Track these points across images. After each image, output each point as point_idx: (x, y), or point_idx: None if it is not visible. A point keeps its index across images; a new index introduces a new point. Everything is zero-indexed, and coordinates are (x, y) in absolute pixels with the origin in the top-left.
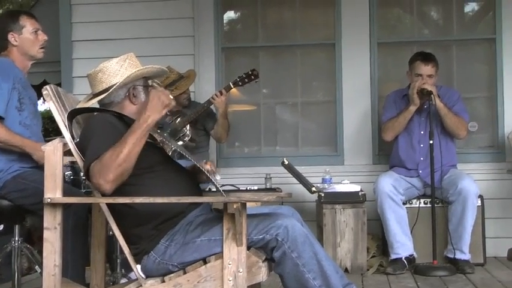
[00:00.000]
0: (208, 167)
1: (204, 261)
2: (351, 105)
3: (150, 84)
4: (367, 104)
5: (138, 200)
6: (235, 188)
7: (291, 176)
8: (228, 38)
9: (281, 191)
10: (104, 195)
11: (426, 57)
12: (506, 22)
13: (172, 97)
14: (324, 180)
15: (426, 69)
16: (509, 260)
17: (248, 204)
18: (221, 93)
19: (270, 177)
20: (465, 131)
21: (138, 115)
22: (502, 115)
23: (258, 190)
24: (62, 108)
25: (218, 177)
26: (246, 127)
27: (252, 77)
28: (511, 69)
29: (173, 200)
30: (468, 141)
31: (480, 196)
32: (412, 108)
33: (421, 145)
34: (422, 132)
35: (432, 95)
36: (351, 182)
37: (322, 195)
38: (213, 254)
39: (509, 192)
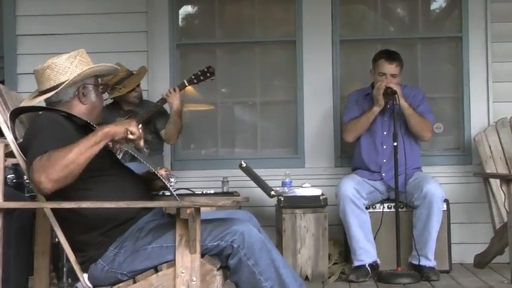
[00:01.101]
0: (163, 172)
1: (156, 269)
2: (312, 105)
3: (101, 82)
4: (329, 104)
5: (85, 205)
6: (191, 192)
7: (249, 179)
8: (184, 34)
9: (239, 195)
10: (42, 194)
11: (390, 56)
12: (472, 20)
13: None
14: (283, 184)
15: (390, 68)
16: (475, 266)
17: (203, 209)
18: (174, 90)
19: (227, 181)
20: (430, 132)
21: (88, 116)
22: (468, 116)
23: (215, 194)
24: (4, 106)
25: (173, 181)
26: (202, 128)
27: (208, 74)
28: (478, 69)
29: (122, 205)
30: (433, 143)
31: (446, 200)
32: (376, 109)
33: (384, 147)
34: (385, 133)
35: (396, 95)
36: (311, 186)
37: (282, 199)
38: (165, 262)
39: (475, 196)
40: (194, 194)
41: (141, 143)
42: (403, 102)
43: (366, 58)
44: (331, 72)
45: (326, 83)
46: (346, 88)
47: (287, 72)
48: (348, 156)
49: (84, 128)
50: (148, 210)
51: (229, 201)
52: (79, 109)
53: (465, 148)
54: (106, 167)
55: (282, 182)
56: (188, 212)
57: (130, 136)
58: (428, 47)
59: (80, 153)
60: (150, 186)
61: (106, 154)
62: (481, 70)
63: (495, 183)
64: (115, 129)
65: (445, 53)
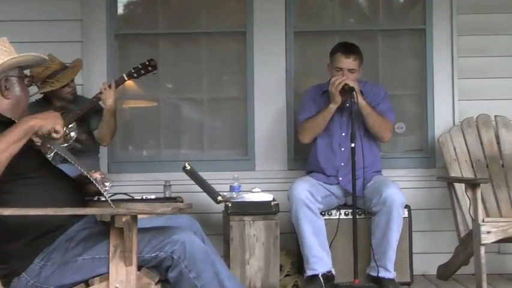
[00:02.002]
0: (97, 175)
1: (87, 283)
2: (264, 102)
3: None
4: (282, 101)
5: (7, 212)
6: (129, 197)
7: (194, 183)
8: (123, 22)
9: (182, 201)
10: None
11: (348, 49)
12: (437, 11)
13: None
14: (231, 188)
15: (347, 62)
16: (438, 278)
17: (141, 217)
18: (110, 87)
19: (170, 185)
20: (390, 133)
21: (12, 112)
22: (432, 115)
23: (156, 200)
24: None
25: (108, 185)
26: (143, 127)
27: (149, 68)
28: (442, 64)
29: (49, 212)
30: (394, 144)
31: (407, 206)
32: (333, 107)
33: (342, 149)
34: (343, 134)
35: (354, 92)
36: (262, 191)
37: (229, 205)
38: (97, 275)
39: (439, 202)
40: (133, 200)
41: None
42: (361, 100)
43: (323, 52)
44: (284, 67)
45: (279, 79)
46: (301, 84)
47: (237, 66)
48: (302, 159)
49: (9, 126)
50: (79, 217)
51: (169, 208)
52: (1, 104)
53: (428, 150)
54: (32, 169)
55: (230, 186)
56: (124, 219)
57: (54, 135)
58: (389, 40)
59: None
60: (83, 190)
61: (33, 153)
62: (446, 65)
63: (460, 188)
64: (41, 123)
65: (407, 47)
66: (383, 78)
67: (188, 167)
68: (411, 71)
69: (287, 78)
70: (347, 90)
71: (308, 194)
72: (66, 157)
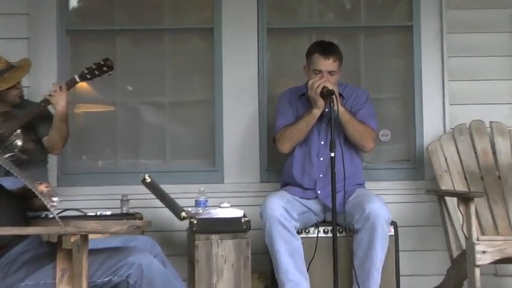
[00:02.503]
0: (43, 188)
1: None
2: (234, 106)
3: None
4: (254, 104)
5: None
6: (81, 214)
7: (155, 197)
8: (76, 17)
9: (141, 217)
10: None
11: (326, 50)
12: (425, 6)
13: None
14: (197, 203)
15: (327, 64)
16: None
17: (92, 236)
18: (61, 89)
19: (128, 199)
20: (372, 142)
21: None
22: (421, 121)
23: (111, 216)
24: None
25: (56, 200)
26: (97, 134)
27: (105, 68)
28: (432, 65)
29: None
30: (378, 153)
31: (393, 223)
32: (316, 112)
33: (321, 159)
34: (322, 143)
35: (334, 96)
36: (232, 206)
37: (195, 222)
38: None
39: (428, 218)
40: (85, 217)
41: None
42: (340, 107)
43: (299, 50)
44: (256, 67)
45: (251, 80)
46: (275, 86)
47: (203, 66)
48: (277, 170)
49: None
50: (22, 238)
51: (125, 227)
52: None
53: (416, 160)
54: None
55: (196, 200)
56: (72, 240)
57: None
58: (372, 38)
59: None
60: (27, 206)
61: None
62: (435, 66)
63: (452, 202)
64: None
65: (392, 46)
66: (365, 81)
67: (148, 179)
68: (397, 72)
69: (259, 80)
70: (326, 94)
71: (283, 210)
72: (8, 169)
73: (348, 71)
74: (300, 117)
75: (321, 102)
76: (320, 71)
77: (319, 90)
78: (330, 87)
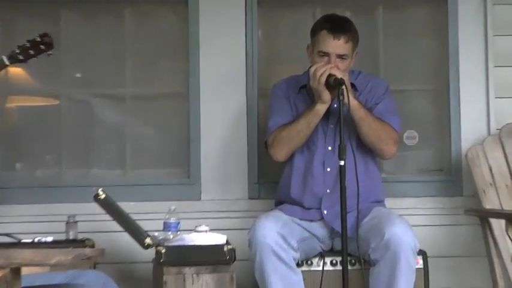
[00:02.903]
0: None
1: None
2: (215, 101)
3: None
4: (241, 99)
5: None
6: (14, 240)
7: (111, 218)
8: None
9: (93, 245)
10: None
11: (337, 27)
12: None
13: None
14: (166, 226)
15: (337, 45)
16: None
17: (28, 270)
18: None
19: (75, 221)
20: (394, 145)
21: None
22: (457, 120)
23: (54, 243)
24: None
25: None
26: (36, 135)
27: (42, 46)
28: (472, 47)
29: None
30: (403, 161)
31: (421, 252)
32: (320, 108)
33: (328, 169)
34: (329, 148)
35: (344, 87)
36: (211, 230)
37: (163, 251)
38: None
39: (467, 246)
40: (18, 244)
41: None
42: (352, 99)
43: (299, 29)
44: (244, 50)
45: (236, 67)
46: (268, 75)
47: (175, 49)
48: (270, 183)
49: None
50: None
51: (69, 257)
52: None
53: (452, 170)
54: None
55: (165, 222)
56: (0, 275)
57: None
58: (395, 12)
59: None
60: None
61: None
62: (477, 48)
63: (498, 225)
64: None
65: (420, 22)
66: (385, 67)
67: (102, 196)
68: (426, 56)
69: (248, 67)
70: (333, 84)
71: (278, 237)
72: None
73: (363, 55)
74: (299, 115)
75: (326, 95)
76: (327, 54)
77: (323, 78)
78: (339, 75)
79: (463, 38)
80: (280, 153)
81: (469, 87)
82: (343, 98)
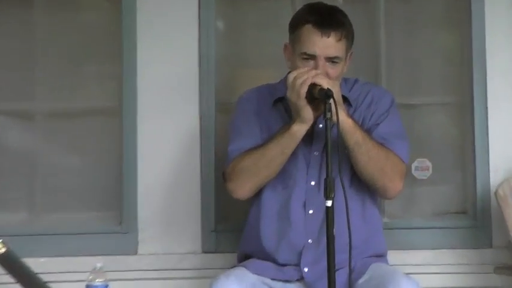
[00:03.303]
0: None
1: None
2: (156, 119)
3: None
4: (193, 116)
5: None
6: None
7: (14, 280)
8: None
9: None
10: None
11: (326, 20)
12: None
13: None
14: None
15: (325, 44)
16: None
17: None
18: None
19: None
20: (400, 180)
21: None
22: (484, 144)
23: None
24: None
25: None
26: None
27: None
28: (503, 46)
29: None
30: (412, 201)
31: None
32: (298, 130)
33: (310, 211)
34: (312, 184)
35: (332, 100)
36: None
37: None
38: None
39: None
40: None
41: None
42: (343, 116)
43: (274, 21)
44: (197, 51)
45: (187, 74)
46: (231, 84)
47: (104, 50)
48: (231, 230)
49: None
50: None
51: None
52: None
53: (478, 213)
54: None
55: (88, 285)
56: None
57: None
58: (401, 3)
59: None
60: None
61: None
62: (510, 47)
63: None
64: None
65: (435, 13)
66: (388, 73)
67: (1, 249)
68: (442, 58)
69: (202, 73)
70: (318, 98)
71: None
72: None
73: (360, 58)
74: (271, 137)
75: (307, 112)
76: (313, 57)
77: (304, 89)
78: (326, 84)
79: (491, 32)
80: (242, 189)
81: (499, 100)
82: (331, 115)
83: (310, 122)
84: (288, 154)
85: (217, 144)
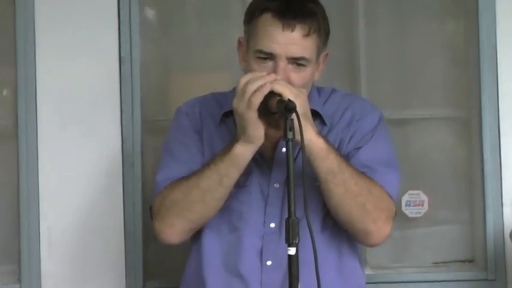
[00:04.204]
0: None
1: None
2: (64, 141)
3: None
4: (113, 137)
5: None
6: None
7: None
8: None
9: None
10: None
11: (290, 7)
12: None
13: None
14: None
15: (288, 39)
16: None
17: None
18: None
19: None
20: (387, 222)
21: None
22: (496, 169)
23: None
24: None
25: None
26: None
27: None
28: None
29: None
30: (402, 247)
31: None
32: (243, 152)
33: (268, 262)
34: (272, 226)
35: (294, 115)
36: None
37: None
38: None
39: None
40: None
41: None
42: (312, 137)
43: (222, 11)
44: (116, 52)
45: (104, 82)
46: (164, 95)
47: None
48: (169, 280)
49: None
50: None
51: None
52: None
53: (488, 261)
54: None
55: None
56: None
57: None
58: None
59: None
60: None
61: None
62: None
63: None
64: None
65: (434, 4)
66: (370, 80)
67: None
68: (442, 60)
69: (124, 80)
70: (276, 111)
71: None
72: None
73: (337, 58)
74: (208, 161)
75: (256, 129)
76: (272, 56)
77: (258, 98)
78: (287, 93)
79: (503, 25)
80: (170, 230)
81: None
82: (294, 135)
83: (259, 143)
84: (229, 184)
85: (145, 174)
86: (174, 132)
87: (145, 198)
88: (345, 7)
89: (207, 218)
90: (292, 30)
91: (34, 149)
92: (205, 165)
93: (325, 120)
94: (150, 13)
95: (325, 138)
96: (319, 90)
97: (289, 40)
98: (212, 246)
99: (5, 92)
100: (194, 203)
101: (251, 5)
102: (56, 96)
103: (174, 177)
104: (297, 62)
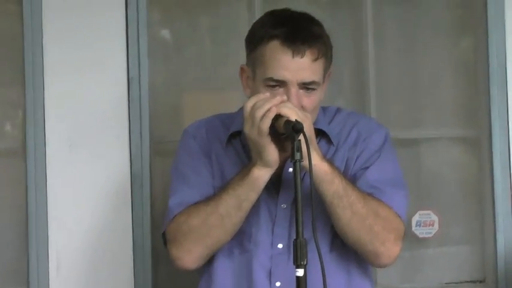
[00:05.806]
0: None
1: None
2: (72, 163)
3: None
4: (121, 159)
5: None
6: None
7: None
8: None
9: None
10: None
11: (297, 32)
12: None
13: None
14: None
15: (299, 66)
16: None
17: None
18: None
19: None
20: (396, 243)
21: None
22: (507, 190)
23: None
24: None
25: None
26: None
27: None
28: None
29: None
30: (412, 267)
31: None
32: (262, 176)
33: (277, 283)
34: (280, 247)
35: (302, 137)
36: None
37: None
38: None
39: None
40: None
41: None
42: (317, 162)
43: (228, 31)
44: (125, 73)
45: (112, 103)
46: (172, 116)
47: (3, 69)
48: None
49: None
50: None
51: None
52: None
53: (499, 281)
54: None
55: None
56: None
57: None
58: (396, 5)
59: None
60: None
61: None
62: None
63: None
64: None
65: (442, 21)
66: (379, 99)
67: None
68: (451, 78)
69: (132, 101)
70: (284, 132)
71: None
72: None
73: (341, 76)
74: (224, 186)
75: (271, 153)
76: (283, 83)
77: (267, 123)
78: (293, 115)
79: None
80: (189, 257)
81: None
82: (302, 157)
83: (276, 165)
84: (247, 208)
85: (154, 196)
86: (183, 156)
87: (154, 220)
88: (354, 26)
89: (223, 242)
90: (302, 56)
91: (43, 170)
92: (222, 190)
93: (332, 140)
94: (161, 33)
95: (330, 161)
96: (323, 109)
97: (299, 66)
98: (223, 269)
99: (13, 113)
100: (212, 228)
101: (253, 33)
102: (64, 117)
103: (187, 202)
104: (307, 86)
